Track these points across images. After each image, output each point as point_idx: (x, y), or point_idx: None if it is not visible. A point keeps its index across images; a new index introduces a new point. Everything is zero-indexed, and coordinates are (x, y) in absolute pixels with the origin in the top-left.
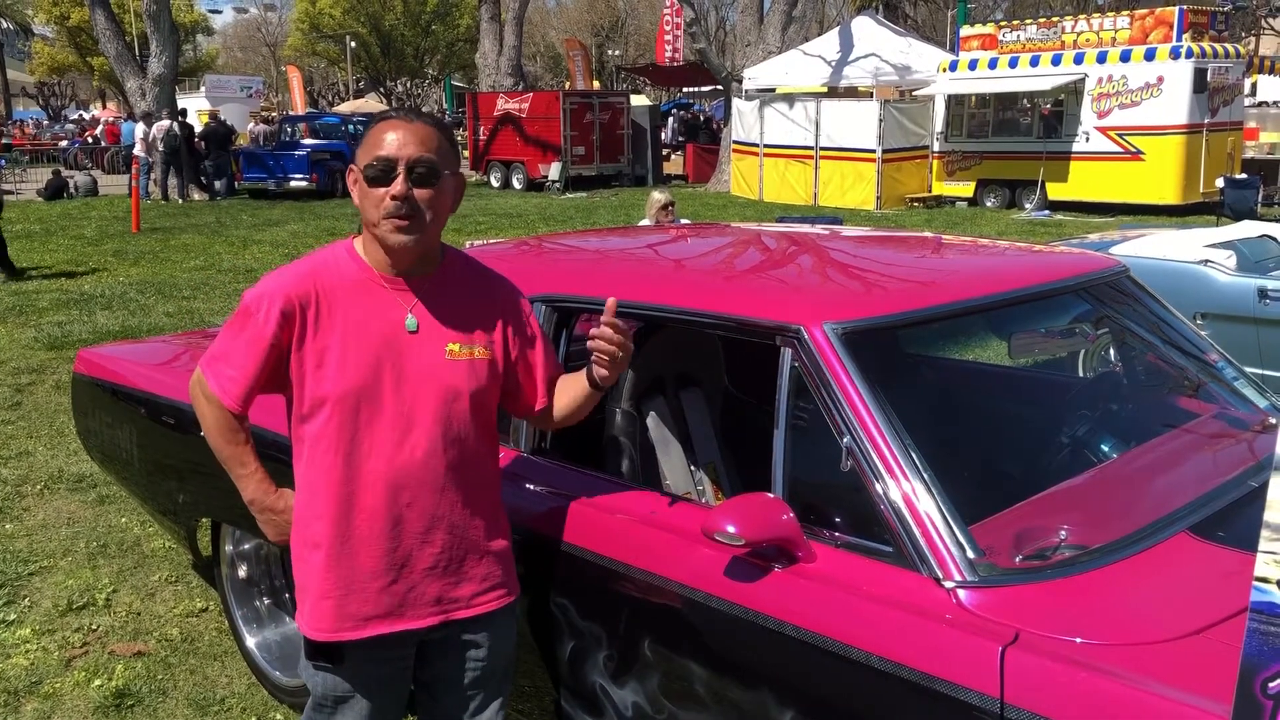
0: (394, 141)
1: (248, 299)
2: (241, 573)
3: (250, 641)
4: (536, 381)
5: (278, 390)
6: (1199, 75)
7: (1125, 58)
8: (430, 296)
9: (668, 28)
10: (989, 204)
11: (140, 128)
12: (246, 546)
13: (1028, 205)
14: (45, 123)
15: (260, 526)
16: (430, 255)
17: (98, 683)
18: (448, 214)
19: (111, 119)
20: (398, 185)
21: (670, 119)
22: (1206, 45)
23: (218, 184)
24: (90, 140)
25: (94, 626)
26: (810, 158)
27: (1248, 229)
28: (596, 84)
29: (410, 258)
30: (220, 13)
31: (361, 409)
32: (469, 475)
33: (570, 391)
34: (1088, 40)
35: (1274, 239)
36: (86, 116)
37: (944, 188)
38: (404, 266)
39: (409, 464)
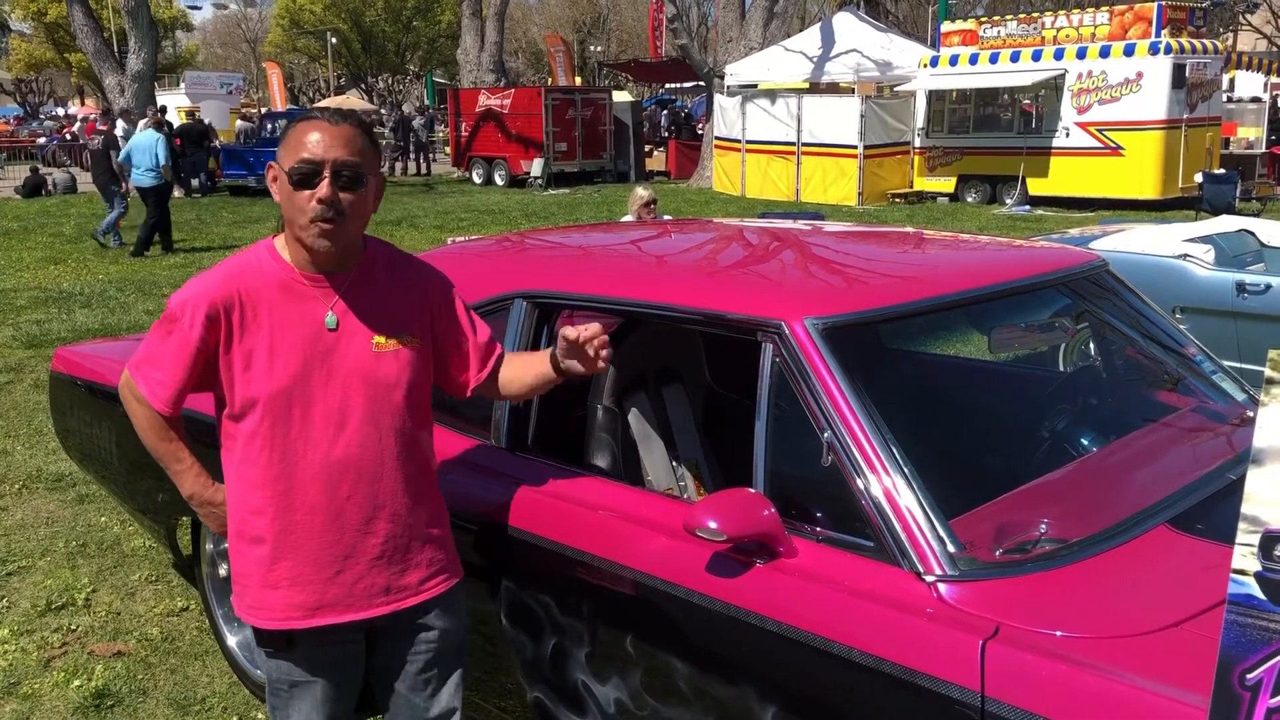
0: (318, 143)
1: (173, 304)
2: (222, 571)
3: (231, 640)
4: (468, 359)
5: (207, 389)
6: (1178, 71)
7: (1105, 53)
8: (352, 292)
9: (658, 24)
10: (970, 199)
11: (120, 125)
12: (226, 545)
13: (1008, 200)
14: (23, 119)
15: (202, 520)
16: (350, 252)
17: (77, 683)
18: (368, 216)
19: (89, 115)
20: (324, 189)
21: (663, 113)
22: (1185, 41)
23: (194, 181)
24: (69, 137)
25: (73, 626)
26: (792, 154)
27: (1226, 224)
28: (579, 80)
29: (329, 258)
30: (200, 9)
31: (294, 408)
32: (406, 464)
33: (530, 370)
34: (1068, 36)
35: (1252, 234)
36: (62, 114)
37: (925, 183)
38: (325, 266)
39: (345, 459)
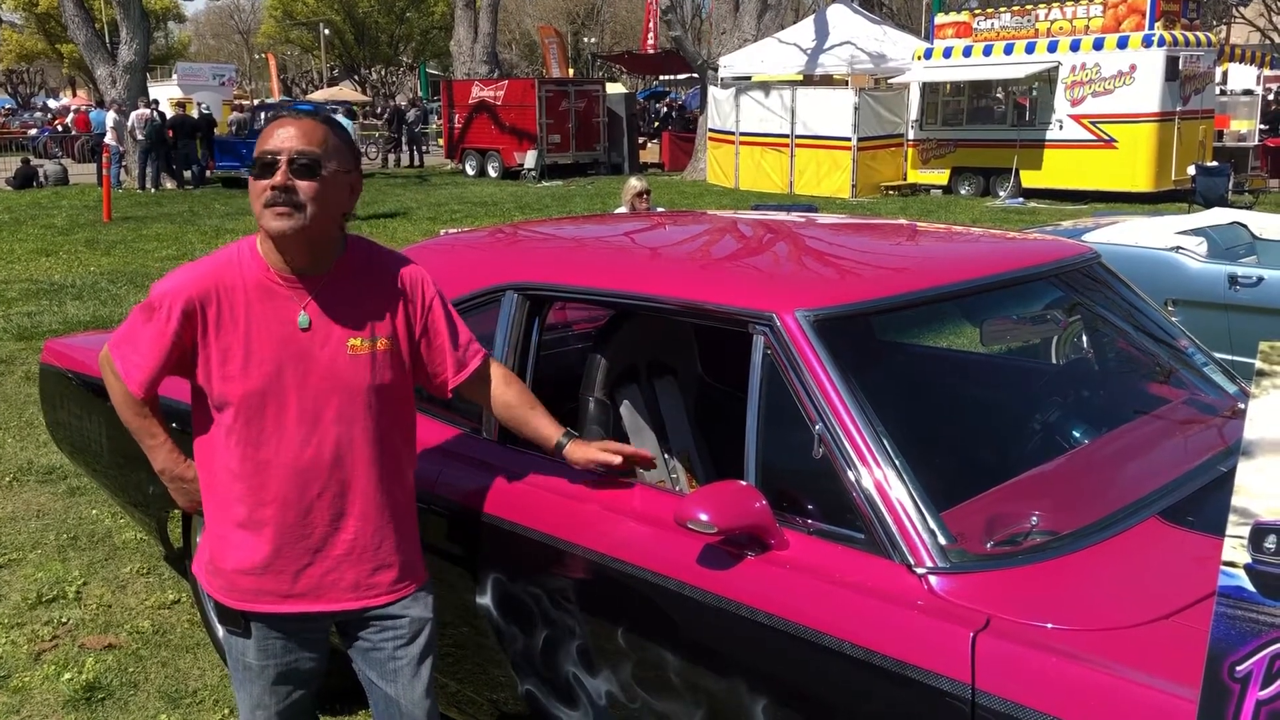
0: (279, 136)
1: (154, 293)
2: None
3: (222, 633)
4: (445, 360)
5: (184, 376)
6: (1171, 63)
7: (1098, 46)
8: (326, 293)
9: (652, 18)
10: (963, 192)
11: (111, 116)
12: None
13: (1002, 193)
14: (14, 110)
15: (171, 494)
16: (324, 251)
17: (68, 676)
18: (338, 210)
19: (80, 107)
20: (278, 175)
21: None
22: (1178, 33)
23: (186, 173)
24: (60, 128)
25: (64, 619)
26: (786, 146)
27: (1219, 216)
28: (572, 72)
29: (295, 248)
30: None
31: (268, 407)
32: (378, 465)
33: (533, 426)
34: (1061, 28)
35: (1244, 226)
36: (54, 105)
37: (919, 176)
38: (296, 262)
39: (317, 460)
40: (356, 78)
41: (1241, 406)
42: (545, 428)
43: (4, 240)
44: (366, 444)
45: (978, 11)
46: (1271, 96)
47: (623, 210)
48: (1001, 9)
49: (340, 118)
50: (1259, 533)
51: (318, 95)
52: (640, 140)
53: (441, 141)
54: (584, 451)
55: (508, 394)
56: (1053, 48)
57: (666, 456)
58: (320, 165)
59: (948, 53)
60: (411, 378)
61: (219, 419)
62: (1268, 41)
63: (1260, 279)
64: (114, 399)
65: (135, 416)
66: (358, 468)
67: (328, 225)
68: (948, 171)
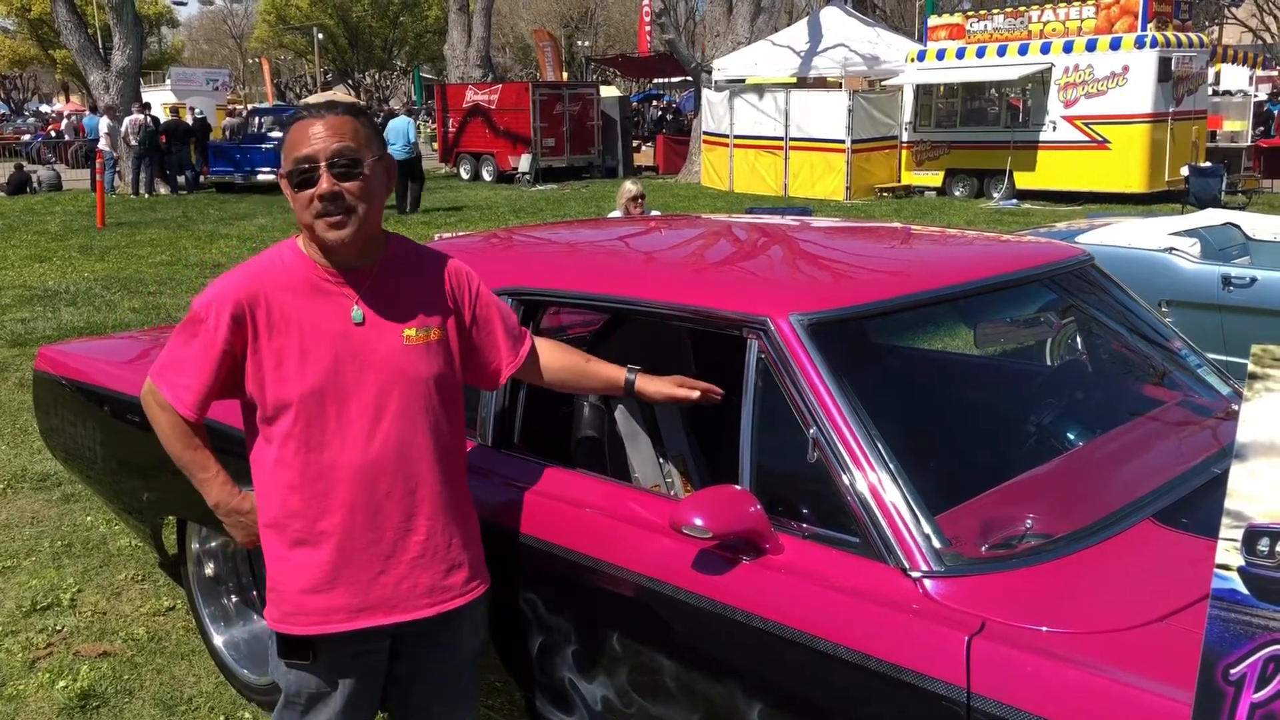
0: (309, 139)
1: (197, 306)
2: (208, 570)
3: (218, 640)
4: (500, 346)
5: (231, 396)
6: (1163, 64)
7: (1091, 47)
8: (376, 286)
9: (648, 19)
10: (957, 194)
11: (104, 121)
12: (213, 544)
13: (996, 195)
14: (7, 115)
15: (228, 530)
16: (372, 245)
17: (62, 684)
18: (382, 200)
19: (70, 113)
20: (323, 183)
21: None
22: (1171, 34)
23: (180, 178)
24: (54, 134)
25: (58, 627)
26: (780, 148)
27: (1212, 217)
28: (566, 75)
29: (350, 251)
30: (185, 4)
31: (328, 406)
32: (442, 460)
33: (595, 377)
34: (1054, 30)
35: (1237, 227)
36: (46, 111)
37: (913, 178)
38: (346, 261)
39: (383, 455)
40: (350, 82)
41: (1235, 408)
42: (607, 371)
43: None
44: (429, 437)
45: (971, 13)
46: (1264, 97)
47: (617, 214)
48: (994, 11)
49: (403, 118)
50: (1252, 536)
51: (312, 100)
52: (634, 143)
53: (435, 146)
54: (656, 385)
55: (560, 358)
56: (1046, 49)
57: (661, 461)
58: (361, 162)
59: (941, 54)
60: (460, 372)
61: (276, 430)
62: (1260, 42)
63: (1254, 280)
64: (162, 433)
65: (186, 449)
66: (422, 463)
67: (377, 219)
68: (942, 173)
